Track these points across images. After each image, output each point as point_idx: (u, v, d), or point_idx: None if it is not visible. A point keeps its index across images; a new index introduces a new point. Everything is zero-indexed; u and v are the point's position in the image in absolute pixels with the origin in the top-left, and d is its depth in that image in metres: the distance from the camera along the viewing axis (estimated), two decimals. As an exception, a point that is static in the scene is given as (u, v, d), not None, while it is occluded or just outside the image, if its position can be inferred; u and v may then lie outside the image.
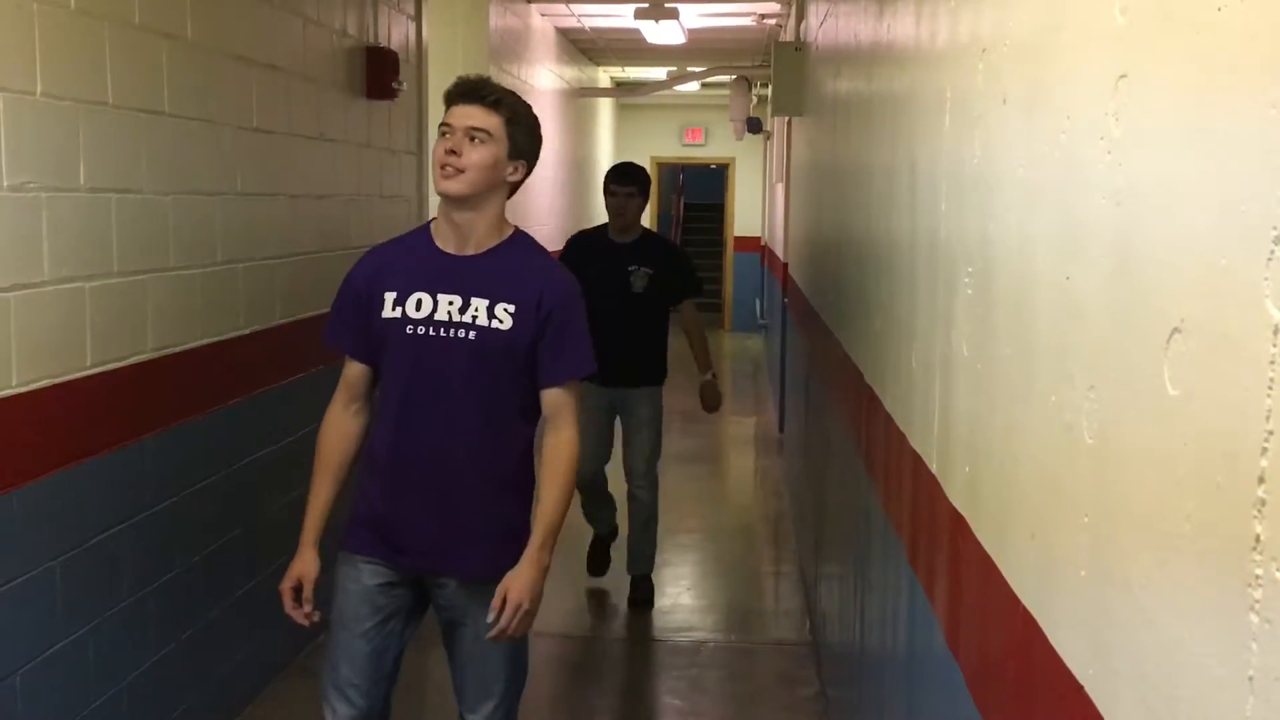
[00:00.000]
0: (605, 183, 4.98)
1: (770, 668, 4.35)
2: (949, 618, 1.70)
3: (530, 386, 2.41)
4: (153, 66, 3.03)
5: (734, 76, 10.60)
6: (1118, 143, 1.04)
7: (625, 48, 10.65)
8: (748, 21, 8.92)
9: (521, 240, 2.49)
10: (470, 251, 2.39)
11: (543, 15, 8.92)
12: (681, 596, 5.14)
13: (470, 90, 2.36)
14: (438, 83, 6.03)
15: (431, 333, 2.35)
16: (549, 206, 9.43)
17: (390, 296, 2.37)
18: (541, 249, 2.54)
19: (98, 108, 2.76)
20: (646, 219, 5.69)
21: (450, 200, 2.35)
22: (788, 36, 7.56)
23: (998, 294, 1.48)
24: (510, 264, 2.40)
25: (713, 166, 15.41)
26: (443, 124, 2.34)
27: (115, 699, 2.91)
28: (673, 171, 16.41)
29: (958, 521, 1.64)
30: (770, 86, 7.95)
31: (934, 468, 1.85)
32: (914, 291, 2.12)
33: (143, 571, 3.04)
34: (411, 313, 2.36)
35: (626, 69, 12.64)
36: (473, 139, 2.32)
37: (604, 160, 13.25)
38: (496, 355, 2.36)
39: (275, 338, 3.81)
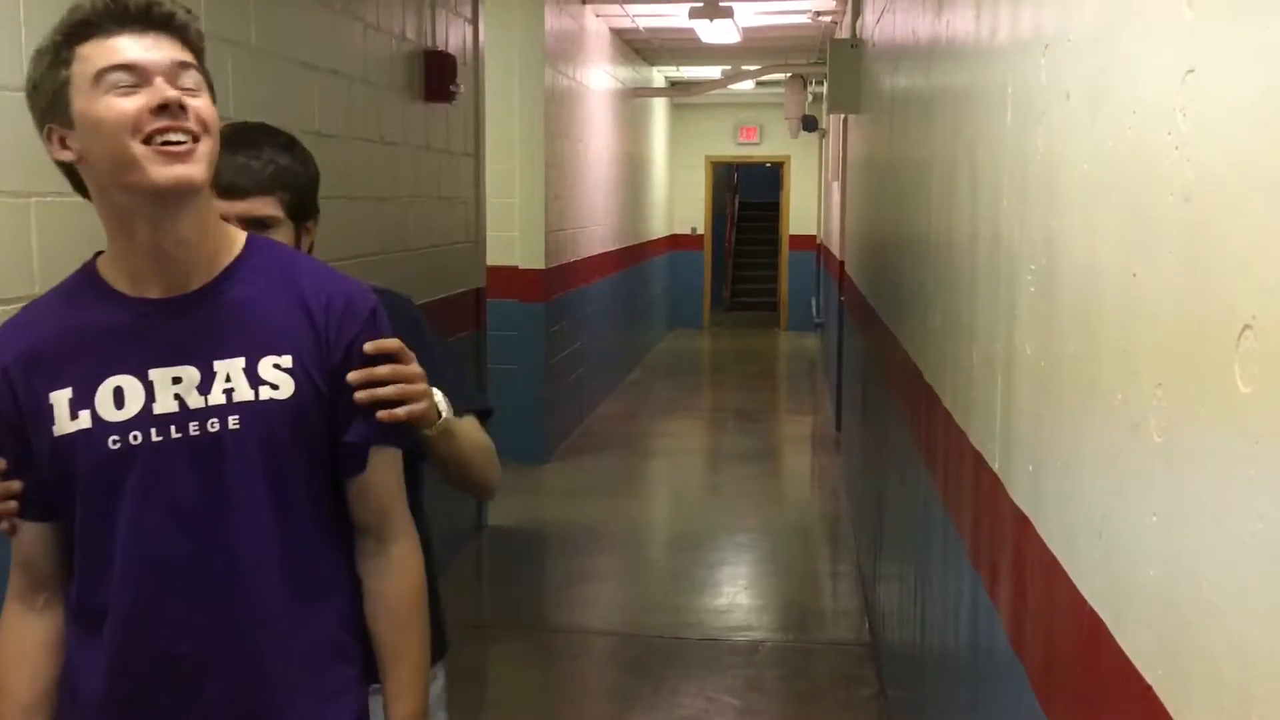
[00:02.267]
0: None
1: (828, 667, 4.34)
2: (1012, 617, 1.69)
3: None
4: (218, 73, 3.08)
5: (789, 74, 10.56)
6: (1186, 138, 1.03)
7: (679, 47, 10.66)
8: (803, 19, 8.88)
9: (265, 249, 1.50)
10: (196, 285, 1.41)
11: (597, 16, 8.95)
12: (739, 596, 5.14)
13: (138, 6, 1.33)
14: (494, 85, 6.09)
15: (155, 438, 1.38)
16: (604, 206, 9.46)
17: (62, 398, 1.38)
18: (300, 254, 1.64)
19: (166, 114, 2.82)
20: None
21: (173, 197, 1.33)
22: (843, 33, 7.51)
23: (1062, 291, 1.46)
24: (264, 291, 1.45)
25: (767, 165, 15.36)
26: (111, 67, 1.30)
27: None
28: (727, 170, 16.38)
29: (1021, 520, 1.63)
30: (826, 84, 7.91)
31: (996, 466, 1.84)
32: (974, 289, 2.10)
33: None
34: (108, 414, 1.38)
35: (680, 68, 12.64)
36: (185, 86, 1.34)
37: (659, 160, 13.26)
38: (281, 448, 1.41)
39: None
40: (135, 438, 1.37)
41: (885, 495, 4.01)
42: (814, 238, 13.47)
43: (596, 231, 9.10)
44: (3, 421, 1.39)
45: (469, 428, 1.78)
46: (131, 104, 1.29)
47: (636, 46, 10.80)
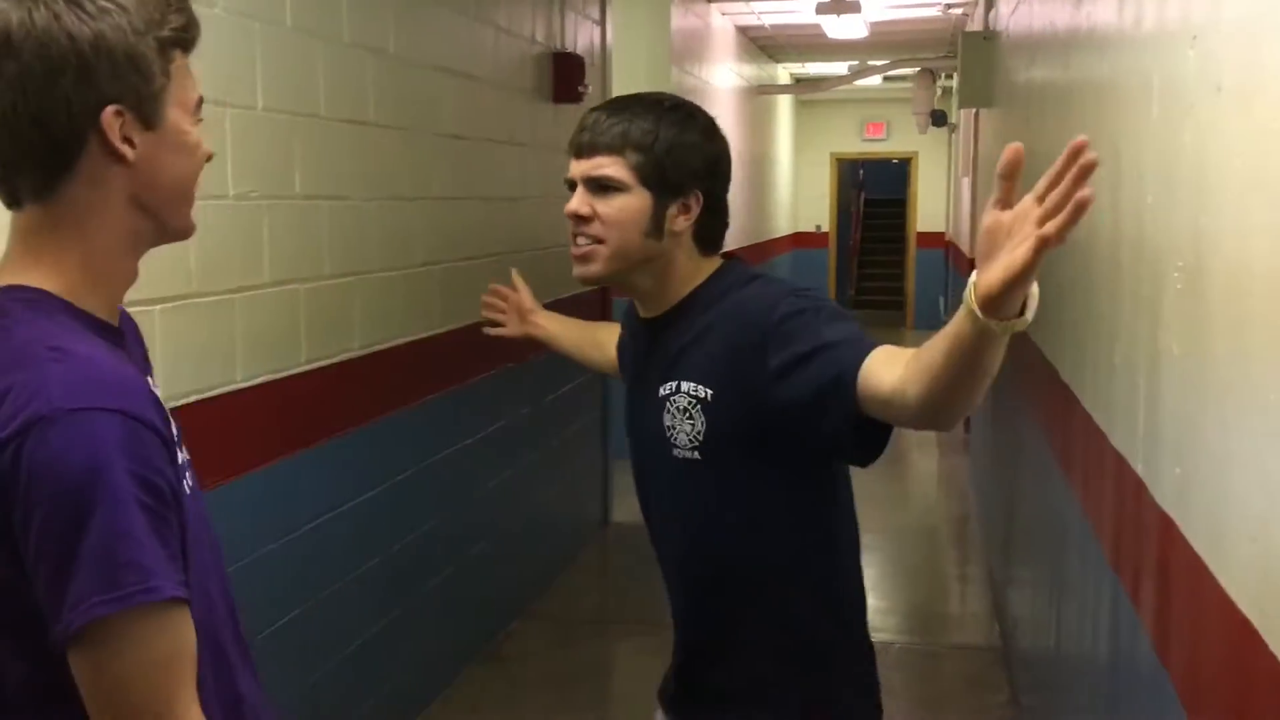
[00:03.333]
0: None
1: (958, 672, 4.26)
2: (1156, 624, 1.65)
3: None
4: (359, 79, 3.20)
5: (918, 69, 10.38)
6: (1349, 129, 1.00)
7: (805, 44, 10.57)
8: (933, 12, 8.72)
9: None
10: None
11: (723, 14, 8.94)
12: (864, 597, 5.08)
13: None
14: (621, 85, 6.15)
15: None
16: (730, 203, 9.45)
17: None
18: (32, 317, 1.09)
19: (310, 120, 2.94)
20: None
21: (181, 240, 1.24)
22: (976, 26, 7.36)
23: (1211, 290, 1.42)
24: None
25: (894, 161, 15.12)
26: (201, 99, 1.18)
27: (327, 676, 3.09)
28: (852, 167, 16.19)
29: (1166, 524, 1.58)
30: (957, 78, 7.76)
31: (1139, 468, 1.79)
32: (1116, 287, 2.05)
33: (351, 557, 3.22)
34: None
35: (806, 65, 12.54)
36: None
37: (783, 158, 13.18)
38: None
39: (467, 337, 3.95)
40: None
41: (1017, 497, 3.92)
42: (942, 235, 13.21)
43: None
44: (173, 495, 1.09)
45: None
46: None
47: (761, 44, 10.76)
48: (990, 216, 1.12)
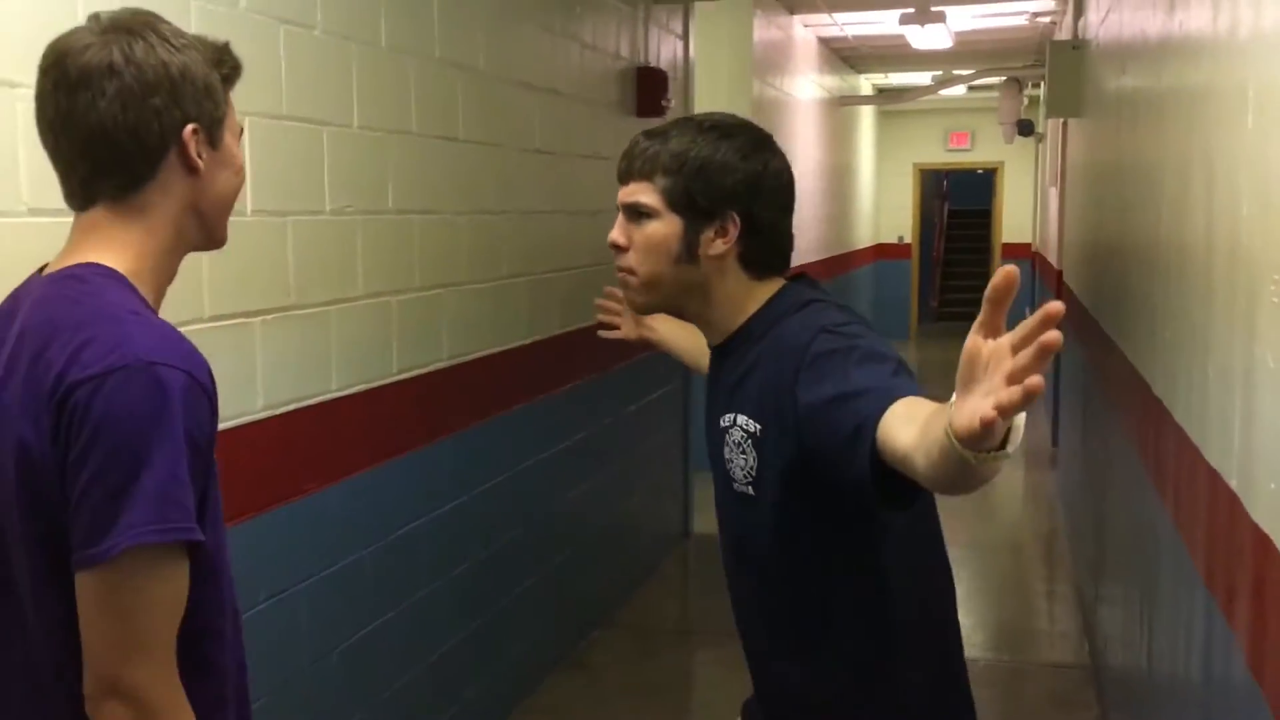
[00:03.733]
0: None
1: (1045, 689, 4.19)
2: (1252, 643, 1.62)
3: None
4: (449, 96, 3.28)
5: (1004, 78, 10.25)
6: None
7: (889, 54, 10.51)
8: (1019, 21, 8.61)
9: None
10: None
11: (805, 26, 8.93)
12: (949, 612, 5.02)
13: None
14: (704, 98, 6.18)
15: None
16: (809, 216, 9.42)
17: None
18: (98, 291, 1.22)
19: (403, 136, 3.02)
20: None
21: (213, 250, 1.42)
22: (1064, 34, 7.25)
23: (1309, 301, 1.40)
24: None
25: (979, 171, 14.93)
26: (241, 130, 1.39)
27: (416, 680, 3.15)
28: (936, 177, 16.01)
29: (1263, 541, 1.55)
30: (1044, 87, 7.65)
31: (1234, 484, 1.76)
32: (1209, 299, 2.02)
33: (437, 564, 3.28)
34: None
35: (889, 75, 12.45)
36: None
37: (865, 169, 13.10)
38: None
39: (553, 347, 4.01)
40: None
41: (1107, 512, 3.85)
42: (1028, 246, 13.00)
43: (801, 242, 9.03)
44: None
45: None
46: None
47: (844, 55, 10.71)
48: (972, 341, 1.04)
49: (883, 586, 1.59)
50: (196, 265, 2.06)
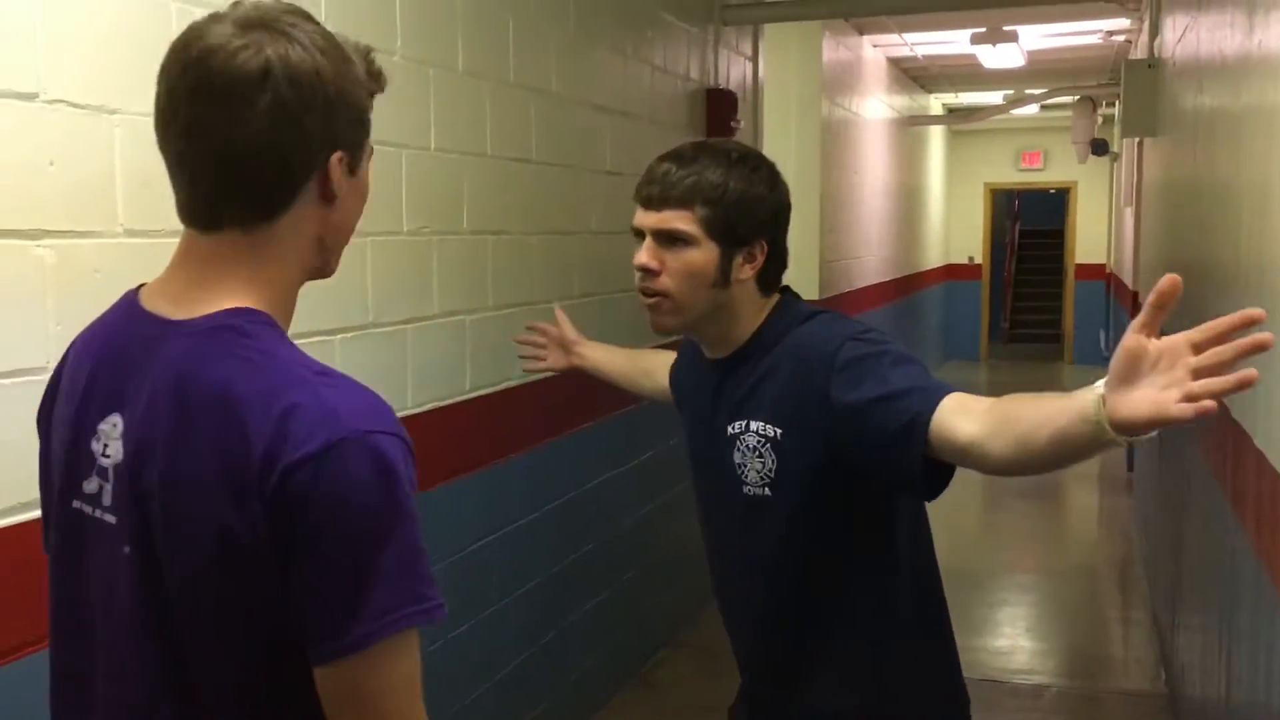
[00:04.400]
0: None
1: (1119, 718, 4.11)
2: (1336, 671, 1.59)
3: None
4: (523, 119, 3.34)
5: (1077, 97, 10.12)
6: None
7: (959, 74, 10.43)
8: (1093, 39, 8.51)
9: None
10: None
11: (875, 46, 8.91)
12: (1020, 638, 4.95)
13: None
14: (772, 119, 6.20)
15: None
16: (878, 237, 9.38)
17: None
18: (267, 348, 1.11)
19: (478, 158, 3.08)
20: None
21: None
22: (1139, 53, 7.16)
23: (1395, 324, 1.38)
24: None
25: (1051, 191, 14.73)
26: None
27: (485, 695, 3.19)
28: (1007, 197, 15.83)
29: (1347, 567, 1.53)
30: (1119, 106, 7.54)
31: (1317, 510, 1.73)
32: (1292, 321, 1.98)
33: (507, 580, 3.32)
34: None
35: (959, 94, 12.36)
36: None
37: (934, 189, 13.00)
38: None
39: (622, 366, 4.04)
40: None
41: (1185, 539, 3.77)
42: (1103, 266, 12.79)
43: (870, 262, 9.03)
44: None
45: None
46: None
47: (914, 74, 10.66)
48: (1133, 339, 1.10)
49: (899, 588, 1.67)
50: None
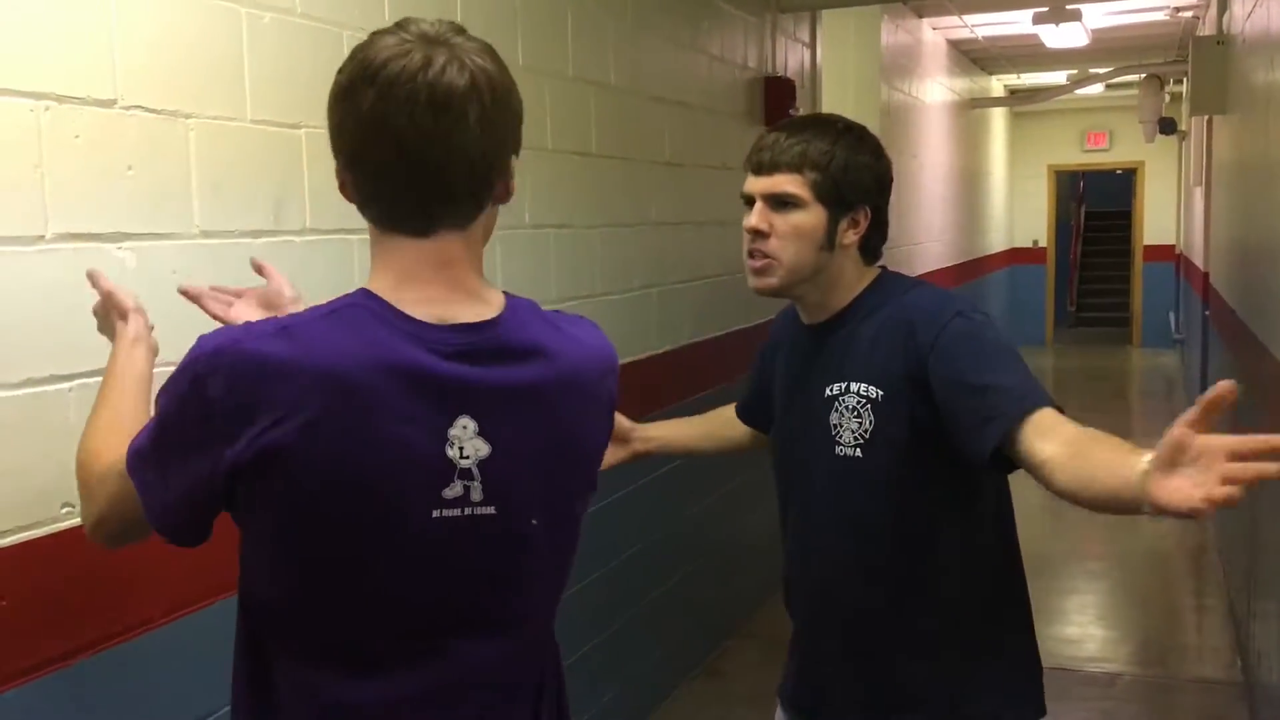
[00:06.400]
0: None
1: (1194, 706, 4.05)
2: None
3: None
4: (582, 112, 3.36)
5: (1143, 75, 9.92)
6: None
7: (1021, 54, 10.27)
8: (1159, 16, 8.33)
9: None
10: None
11: (934, 29, 8.81)
12: (1090, 626, 4.89)
13: None
14: (831, 105, 6.16)
15: None
16: (940, 222, 9.28)
17: None
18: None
19: (539, 153, 3.10)
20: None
21: None
22: (1207, 29, 7.00)
23: None
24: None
25: (1118, 172, 14.45)
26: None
27: (551, 683, 3.22)
28: (1072, 179, 15.56)
29: None
30: (1187, 83, 7.39)
31: (1398, 493, 1.69)
32: (1370, 301, 1.94)
33: (575, 570, 3.34)
34: None
35: (1021, 75, 12.16)
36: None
37: (997, 172, 12.81)
38: None
39: (683, 358, 4.05)
40: None
41: (1261, 526, 3.70)
42: (1172, 247, 12.53)
43: (932, 247, 8.94)
44: None
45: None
46: None
47: (974, 56, 10.52)
48: (1180, 433, 1.18)
49: (981, 558, 1.74)
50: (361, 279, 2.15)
